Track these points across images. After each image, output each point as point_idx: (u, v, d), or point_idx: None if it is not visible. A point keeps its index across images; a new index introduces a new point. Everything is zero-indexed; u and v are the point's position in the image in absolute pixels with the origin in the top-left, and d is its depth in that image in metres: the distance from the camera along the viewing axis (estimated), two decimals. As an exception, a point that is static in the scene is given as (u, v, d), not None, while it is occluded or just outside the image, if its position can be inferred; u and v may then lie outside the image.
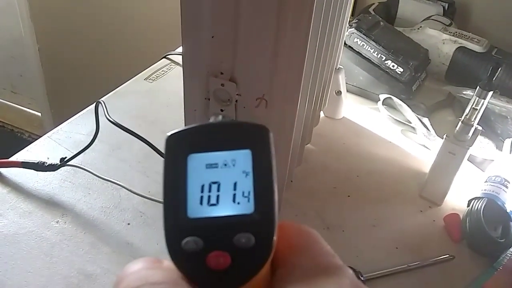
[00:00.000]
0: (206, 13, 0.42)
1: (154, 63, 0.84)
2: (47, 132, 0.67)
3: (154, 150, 0.46)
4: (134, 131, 0.68)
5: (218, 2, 0.41)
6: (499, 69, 0.53)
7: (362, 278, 0.51)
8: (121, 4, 1.36)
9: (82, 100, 0.77)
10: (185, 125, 0.52)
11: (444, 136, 0.58)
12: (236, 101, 0.47)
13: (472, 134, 0.58)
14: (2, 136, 1.84)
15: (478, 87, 0.55)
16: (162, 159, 0.20)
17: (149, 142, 0.47)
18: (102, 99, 0.74)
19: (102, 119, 0.60)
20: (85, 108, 0.71)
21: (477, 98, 0.55)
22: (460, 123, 0.57)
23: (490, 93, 0.54)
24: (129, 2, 1.34)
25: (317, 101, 0.62)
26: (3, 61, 1.78)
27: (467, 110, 0.56)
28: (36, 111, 1.80)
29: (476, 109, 0.56)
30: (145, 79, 0.80)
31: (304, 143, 0.61)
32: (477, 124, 0.58)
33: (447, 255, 0.54)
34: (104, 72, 1.39)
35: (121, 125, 0.47)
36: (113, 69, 0.85)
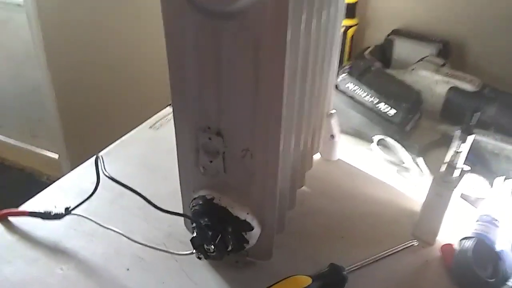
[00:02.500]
0: (191, 75, 0.46)
1: (159, 111, 0.89)
2: (64, 174, 0.71)
3: (148, 202, 0.50)
4: (138, 178, 0.72)
5: (201, 67, 0.45)
6: (479, 112, 0.55)
7: (345, 272, 0.55)
8: (133, 55, 1.43)
9: (97, 142, 0.82)
10: (179, 174, 0.56)
11: (429, 178, 0.60)
12: (224, 152, 0.50)
13: (458, 176, 0.60)
14: (21, 179, 1.91)
15: (459, 131, 0.57)
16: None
17: (143, 196, 0.50)
18: (105, 150, 0.79)
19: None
20: (90, 158, 0.75)
21: (459, 141, 0.57)
22: (445, 165, 0.59)
23: (471, 136, 0.56)
24: (140, 53, 1.41)
25: (308, 145, 0.65)
26: (24, 107, 1.87)
27: (450, 153, 0.58)
28: (54, 154, 1.87)
29: (459, 152, 0.58)
30: (150, 127, 0.84)
31: (296, 187, 0.63)
32: (465, 164, 0.60)
33: None
34: (116, 117, 1.45)
35: (117, 180, 0.50)
36: (124, 114, 0.91)
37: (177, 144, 0.53)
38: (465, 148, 0.57)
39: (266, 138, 0.47)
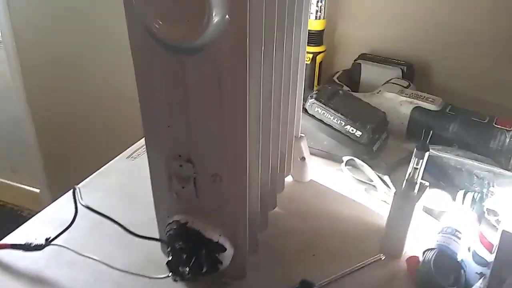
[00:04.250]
0: (160, 106, 0.50)
1: (136, 142, 0.92)
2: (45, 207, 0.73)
3: (123, 229, 0.53)
4: (116, 207, 0.75)
5: (169, 98, 0.49)
6: (431, 131, 0.59)
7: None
8: (111, 87, 1.46)
9: (78, 175, 0.84)
10: (154, 201, 0.58)
11: (393, 194, 0.64)
12: (195, 178, 0.53)
13: (418, 191, 0.63)
14: (2, 215, 1.90)
15: (415, 149, 0.61)
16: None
17: (118, 222, 0.53)
18: (84, 182, 0.81)
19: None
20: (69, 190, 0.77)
21: (416, 158, 0.61)
22: (405, 181, 0.63)
23: (427, 153, 0.60)
24: (118, 87, 1.44)
25: (277, 168, 0.68)
26: (4, 142, 1.88)
27: (409, 170, 0.62)
28: (35, 188, 1.87)
29: (417, 168, 0.62)
30: (127, 157, 0.87)
31: (268, 209, 0.67)
32: (429, 179, 0.64)
33: None
34: (97, 149, 1.48)
35: (93, 209, 0.53)
36: (104, 146, 0.94)
37: (150, 172, 0.55)
38: (422, 164, 0.61)
39: (233, 162, 0.51)
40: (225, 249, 0.55)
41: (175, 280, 0.55)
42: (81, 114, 1.59)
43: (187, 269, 0.53)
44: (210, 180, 0.53)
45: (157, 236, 0.61)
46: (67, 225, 0.64)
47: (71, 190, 0.77)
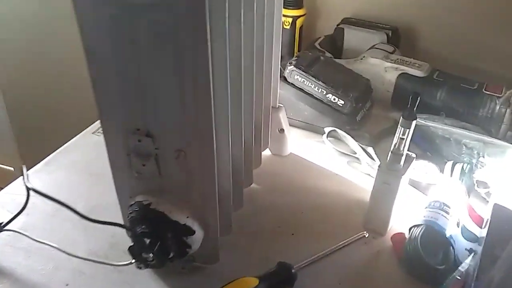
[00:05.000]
0: (111, 74, 0.43)
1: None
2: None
3: (80, 216, 0.47)
4: (82, 186, 0.69)
5: (120, 63, 0.43)
6: (418, 97, 0.54)
7: (294, 270, 0.53)
8: (79, 61, 1.38)
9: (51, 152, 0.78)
10: (114, 181, 0.53)
11: (377, 167, 0.59)
12: (156, 154, 0.47)
13: (405, 162, 0.59)
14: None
15: (401, 117, 0.56)
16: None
17: (74, 209, 0.48)
18: (47, 158, 0.75)
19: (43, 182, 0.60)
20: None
21: (402, 128, 0.56)
22: (390, 153, 0.58)
23: (414, 122, 0.55)
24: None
25: (252, 141, 0.63)
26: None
27: (394, 140, 0.57)
28: (9, 167, 1.80)
29: (403, 139, 0.57)
30: (93, 132, 0.81)
31: (242, 186, 0.61)
32: (416, 150, 0.59)
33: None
34: (69, 125, 1.41)
35: (42, 193, 0.48)
36: (77, 122, 0.88)
37: (107, 149, 0.50)
38: (409, 134, 0.56)
39: (198, 136, 0.45)
40: (194, 232, 0.50)
41: (139, 267, 0.50)
42: (52, 89, 1.51)
43: (151, 255, 0.48)
44: (173, 156, 0.47)
45: (122, 220, 0.56)
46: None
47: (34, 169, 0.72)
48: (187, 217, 0.50)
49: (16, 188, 0.68)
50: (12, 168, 1.77)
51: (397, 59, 0.90)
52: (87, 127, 0.83)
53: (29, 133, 1.67)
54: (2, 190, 0.68)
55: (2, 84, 1.57)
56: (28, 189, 0.53)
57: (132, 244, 0.50)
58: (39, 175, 0.71)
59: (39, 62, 1.49)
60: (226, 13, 0.44)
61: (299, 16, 0.99)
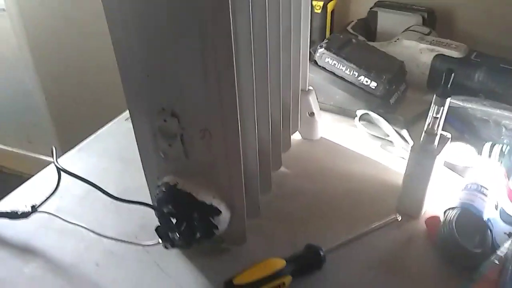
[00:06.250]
0: (136, 53, 0.43)
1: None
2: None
3: (109, 196, 0.48)
4: (113, 171, 0.70)
5: (144, 43, 0.42)
6: (452, 74, 0.52)
7: (322, 252, 0.52)
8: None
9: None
10: (141, 162, 0.53)
11: (410, 148, 0.57)
12: (182, 134, 0.47)
13: (439, 143, 0.56)
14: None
15: (434, 95, 0.54)
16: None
17: (103, 190, 0.49)
18: (81, 144, 0.77)
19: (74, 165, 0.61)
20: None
21: (436, 106, 0.54)
22: (423, 133, 0.56)
23: (448, 99, 0.53)
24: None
25: (280, 124, 0.62)
26: (18, 113, 1.85)
27: (428, 120, 0.55)
28: (49, 157, 1.86)
29: (437, 118, 0.54)
30: (126, 119, 0.82)
31: (270, 169, 0.61)
32: (454, 132, 0.57)
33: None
34: (106, 115, 1.44)
35: (71, 173, 0.48)
36: (114, 111, 0.90)
37: (134, 131, 0.50)
38: (443, 113, 0.54)
39: (223, 116, 0.45)
40: (220, 212, 0.50)
41: (165, 247, 0.50)
42: (90, 80, 1.55)
43: (178, 235, 0.48)
44: (198, 136, 0.47)
45: (150, 202, 0.56)
46: (59, 191, 0.60)
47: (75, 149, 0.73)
48: (214, 198, 0.50)
49: (49, 172, 0.69)
50: (51, 159, 1.83)
51: (433, 40, 0.86)
52: (120, 114, 0.84)
53: (67, 124, 1.71)
54: (36, 175, 0.70)
55: (43, 78, 1.62)
56: (58, 170, 0.54)
57: (158, 224, 0.50)
58: (72, 161, 0.73)
59: (74, 56, 1.53)
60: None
61: (330, 0, 0.97)
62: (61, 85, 1.63)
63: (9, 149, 2.01)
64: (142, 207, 0.52)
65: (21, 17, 1.55)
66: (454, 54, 0.82)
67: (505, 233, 0.55)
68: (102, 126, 0.82)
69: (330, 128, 0.77)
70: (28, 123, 1.85)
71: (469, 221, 0.54)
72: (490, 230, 0.54)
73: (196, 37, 0.40)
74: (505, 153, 0.64)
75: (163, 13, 0.40)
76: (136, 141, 0.51)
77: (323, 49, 0.78)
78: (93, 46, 1.46)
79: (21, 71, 1.66)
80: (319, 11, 0.97)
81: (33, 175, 0.71)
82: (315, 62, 0.80)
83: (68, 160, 0.73)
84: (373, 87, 0.76)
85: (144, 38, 0.42)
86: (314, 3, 0.95)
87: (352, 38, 0.83)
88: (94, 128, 0.83)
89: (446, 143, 0.57)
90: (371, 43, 0.89)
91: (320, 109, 0.75)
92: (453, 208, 0.56)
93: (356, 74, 0.77)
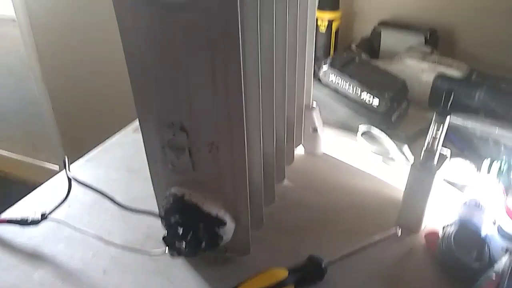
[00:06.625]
0: (149, 71, 0.45)
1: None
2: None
3: (117, 205, 0.50)
4: (120, 181, 0.72)
5: (157, 61, 0.44)
6: (452, 95, 0.53)
7: (324, 264, 0.53)
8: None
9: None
10: (150, 173, 0.55)
11: (410, 165, 0.59)
12: (190, 148, 0.49)
13: (438, 160, 0.58)
14: (24, 193, 1.92)
15: (435, 114, 0.55)
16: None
17: (112, 198, 0.50)
18: (89, 155, 0.78)
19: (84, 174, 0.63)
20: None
21: (436, 124, 0.55)
22: (423, 150, 0.58)
23: (448, 117, 0.55)
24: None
25: (285, 139, 0.64)
26: (25, 121, 1.88)
27: (428, 137, 0.57)
28: (55, 165, 1.88)
29: (437, 136, 0.56)
30: (134, 131, 0.84)
31: (274, 181, 0.62)
32: (454, 149, 0.58)
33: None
34: (112, 125, 1.46)
35: (85, 183, 0.50)
36: (120, 121, 0.91)
37: (144, 143, 0.52)
38: (443, 131, 0.56)
39: (230, 130, 0.47)
40: (225, 223, 0.52)
41: (171, 255, 0.52)
42: (96, 90, 1.57)
43: (184, 244, 0.50)
44: (206, 150, 0.49)
45: (157, 211, 0.58)
46: (68, 199, 0.61)
47: (77, 163, 0.75)
48: (219, 209, 0.51)
49: (59, 181, 0.71)
50: (57, 166, 1.85)
51: (434, 60, 0.88)
52: (126, 124, 0.86)
53: (73, 133, 1.74)
54: (46, 182, 0.72)
55: (51, 88, 1.65)
56: (69, 179, 0.56)
57: (165, 233, 0.52)
58: (80, 171, 0.74)
59: (81, 66, 1.55)
60: (258, 12, 0.45)
61: (335, 19, 0.99)
62: (67, 94, 1.66)
63: (15, 156, 2.03)
64: (149, 216, 0.54)
65: (31, 27, 1.58)
66: (455, 73, 0.84)
67: (502, 248, 0.56)
68: (107, 134, 0.84)
69: (332, 143, 0.79)
70: (34, 131, 1.88)
71: (467, 236, 0.56)
72: (488, 246, 0.56)
73: (207, 56, 0.42)
74: (504, 170, 0.65)
75: (176, 32, 0.42)
76: (145, 153, 0.53)
77: (327, 66, 0.80)
78: (100, 57, 1.49)
79: (29, 80, 1.69)
80: (323, 30, 0.99)
81: (37, 183, 0.73)
82: (319, 80, 0.82)
83: (76, 170, 0.75)
84: (376, 104, 0.78)
85: (157, 56, 0.44)
86: (319, 22, 0.98)
87: (355, 56, 0.85)
88: (99, 136, 0.85)
89: (445, 159, 0.59)
90: (374, 61, 0.91)
91: (324, 123, 0.77)
92: (451, 224, 0.57)
93: (359, 91, 0.79)
